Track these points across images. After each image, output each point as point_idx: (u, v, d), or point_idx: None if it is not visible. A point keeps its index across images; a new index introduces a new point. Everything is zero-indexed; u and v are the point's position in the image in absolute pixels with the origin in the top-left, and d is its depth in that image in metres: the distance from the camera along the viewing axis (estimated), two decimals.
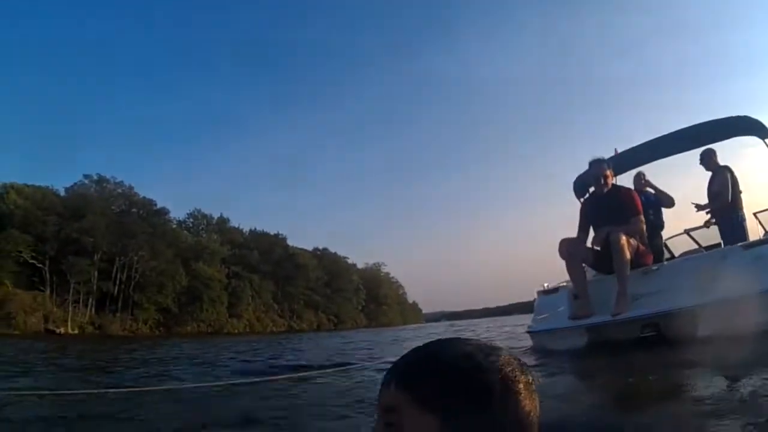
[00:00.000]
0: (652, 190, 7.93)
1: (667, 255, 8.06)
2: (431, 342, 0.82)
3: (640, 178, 8.00)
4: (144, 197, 71.86)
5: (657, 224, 7.80)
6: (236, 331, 71.48)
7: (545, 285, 7.81)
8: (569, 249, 6.79)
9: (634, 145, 8.34)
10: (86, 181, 67.76)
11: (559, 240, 6.95)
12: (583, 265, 6.96)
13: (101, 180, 68.21)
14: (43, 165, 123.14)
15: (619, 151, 8.23)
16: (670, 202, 7.93)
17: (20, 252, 55.37)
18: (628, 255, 6.25)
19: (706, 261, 6.47)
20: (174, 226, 78.97)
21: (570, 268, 6.82)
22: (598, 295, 6.54)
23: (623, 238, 6.24)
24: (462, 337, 0.84)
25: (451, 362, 0.76)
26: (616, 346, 6.17)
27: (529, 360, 6.75)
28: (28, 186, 60.81)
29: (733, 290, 5.34)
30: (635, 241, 6.51)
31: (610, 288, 6.38)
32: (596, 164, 6.93)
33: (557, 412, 3.49)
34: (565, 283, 7.44)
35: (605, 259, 6.47)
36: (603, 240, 6.49)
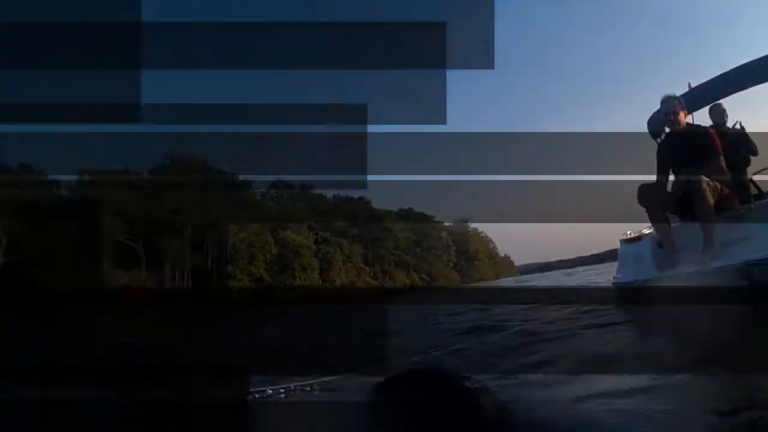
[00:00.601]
0: (731, 121, 7.49)
1: (754, 191, 7.57)
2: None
3: (720, 112, 7.50)
4: (225, 170, 74.47)
5: (744, 160, 7.38)
6: (331, 296, 73.50)
7: (628, 233, 7.65)
8: (649, 195, 6.55)
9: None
10: (167, 160, 70.70)
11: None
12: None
13: (180, 157, 70.79)
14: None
15: (693, 85, 7.72)
16: (754, 150, 7.41)
17: (113, 234, 58.90)
18: (711, 201, 5.93)
19: None
20: (258, 197, 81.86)
21: (651, 216, 6.56)
22: (683, 244, 6.28)
23: (704, 183, 5.92)
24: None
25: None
26: (704, 299, 5.98)
27: (613, 315, 6.62)
28: (107, 172, 63.27)
29: None
30: (718, 184, 6.17)
31: (695, 236, 6.07)
32: (666, 101, 6.59)
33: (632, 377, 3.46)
34: (648, 230, 7.25)
35: (687, 206, 6.19)
36: (683, 185, 6.22)
